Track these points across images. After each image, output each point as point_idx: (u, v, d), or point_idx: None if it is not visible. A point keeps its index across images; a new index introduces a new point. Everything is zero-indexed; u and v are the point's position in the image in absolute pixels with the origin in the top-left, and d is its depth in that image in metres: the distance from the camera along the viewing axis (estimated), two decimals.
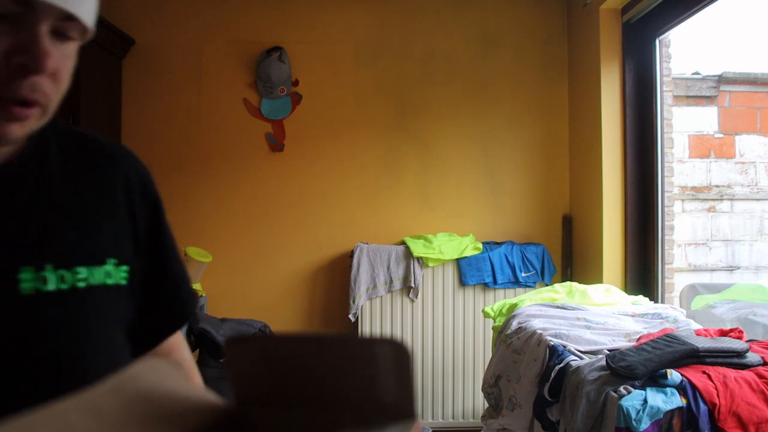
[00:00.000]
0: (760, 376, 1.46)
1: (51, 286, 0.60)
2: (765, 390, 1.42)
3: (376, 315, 3.08)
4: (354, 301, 3.03)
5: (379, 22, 3.27)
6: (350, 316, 3.04)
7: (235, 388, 0.27)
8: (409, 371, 0.26)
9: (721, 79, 4.08)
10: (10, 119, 0.55)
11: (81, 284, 0.62)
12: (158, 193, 0.76)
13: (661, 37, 2.69)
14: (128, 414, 0.23)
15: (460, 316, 3.10)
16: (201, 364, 2.54)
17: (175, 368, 0.26)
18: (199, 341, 2.76)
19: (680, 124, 3.95)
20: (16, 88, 0.54)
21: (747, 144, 4.13)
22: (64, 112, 2.68)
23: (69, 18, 0.56)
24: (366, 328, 3.07)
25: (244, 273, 3.19)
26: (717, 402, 1.39)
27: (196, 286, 2.93)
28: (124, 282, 0.67)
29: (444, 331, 3.09)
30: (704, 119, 4.12)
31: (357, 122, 3.25)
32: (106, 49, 2.96)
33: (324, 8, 3.23)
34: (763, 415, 1.38)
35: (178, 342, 0.81)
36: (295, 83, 3.19)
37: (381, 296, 3.07)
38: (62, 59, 0.58)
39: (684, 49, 4.47)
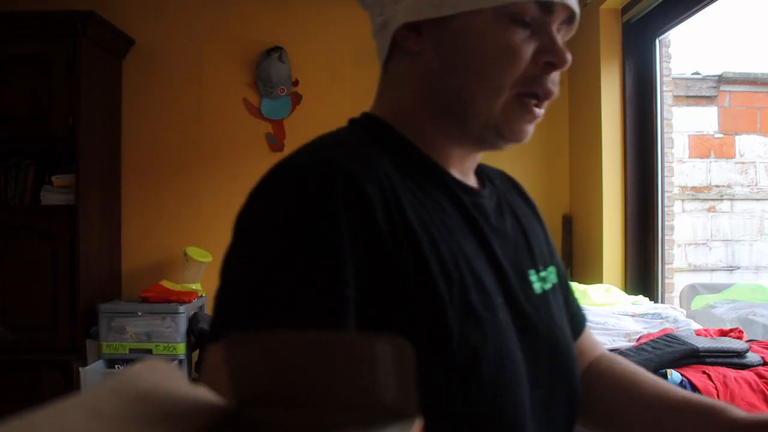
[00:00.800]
0: (760, 376, 1.46)
1: (546, 286, 0.71)
2: (765, 390, 1.42)
3: None
4: None
5: None
6: None
7: (235, 388, 0.27)
8: (410, 371, 0.26)
9: (721, 79, 4.08)
10: (532, 119, 0.64)
11: (550, 286, 0.73)
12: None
13: (661, 37, 2.69)
14: (128, 414, 0.23)
15: None
16: (201, 363, 2.54)
17: (176, 368, 0.26)
18: (199, 341, 2.76)
19: (680, 124, 3.95)
20: (545, 84, 0.63)
21: (747, 144, 4.13)
22: (64, 112, 2.70)
23: (566, 22, 0.64)
24: None
25: None
26: None
27: (196, 286, 2.93)
28: (556, 281, 0.77)
29: None
30: (704, 119, 4.12)
31: None
32: (106, 49, 2.97)
33: (324, 8, 3.23)
34: None
35: (591, 343, 0.88)
36: (295, 83, 3.19)
37: None
38: None
39: (684, 49, 4.48)
